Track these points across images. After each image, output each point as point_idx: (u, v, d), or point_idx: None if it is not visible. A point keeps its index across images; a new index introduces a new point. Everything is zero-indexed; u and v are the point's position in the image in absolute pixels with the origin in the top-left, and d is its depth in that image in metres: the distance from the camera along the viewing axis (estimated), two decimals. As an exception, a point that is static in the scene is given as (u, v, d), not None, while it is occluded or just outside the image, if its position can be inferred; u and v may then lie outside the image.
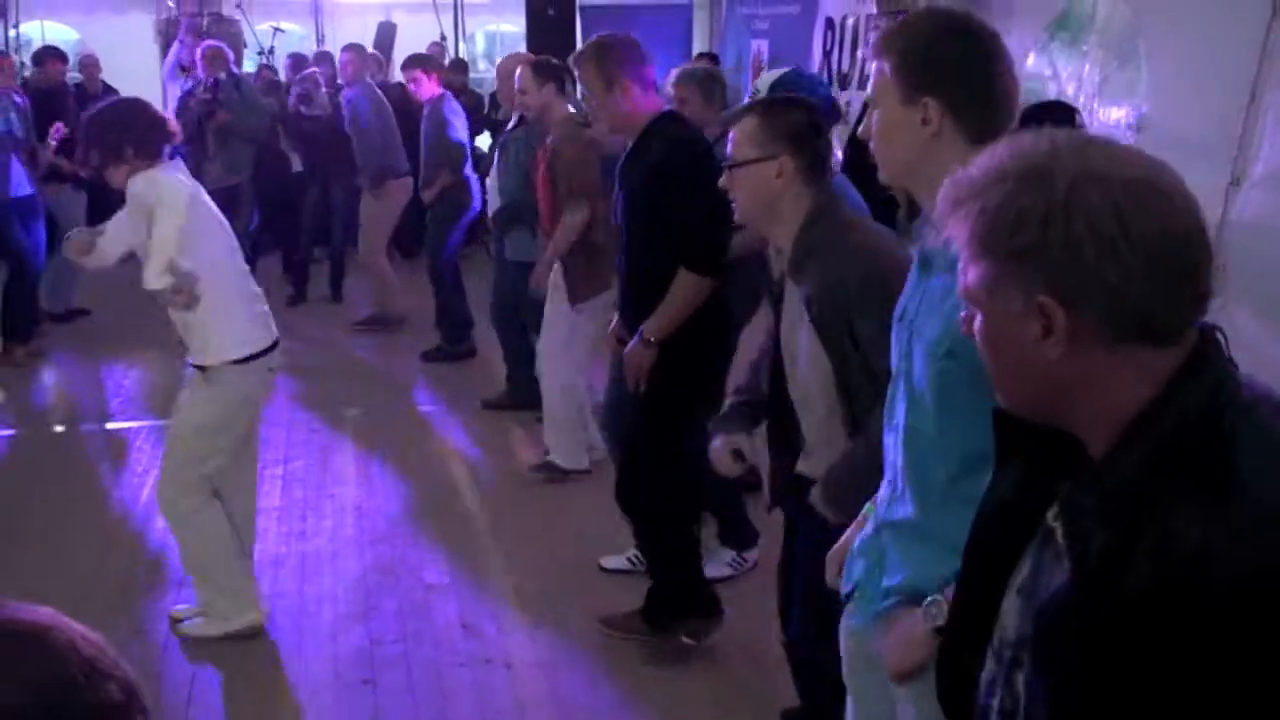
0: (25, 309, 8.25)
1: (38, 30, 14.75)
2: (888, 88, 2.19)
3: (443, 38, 12.92)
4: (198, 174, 9.19)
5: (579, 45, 11.80)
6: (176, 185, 4.24)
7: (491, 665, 4.38)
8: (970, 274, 1.38)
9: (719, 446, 3.38)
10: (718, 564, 4.90)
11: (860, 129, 2.40)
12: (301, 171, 9.86)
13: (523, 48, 13.08)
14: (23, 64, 12.47)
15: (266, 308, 4.53)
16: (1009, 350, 1.39)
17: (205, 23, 12.36)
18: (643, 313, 4.18)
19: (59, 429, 7.10)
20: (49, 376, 8.18)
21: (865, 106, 2.73)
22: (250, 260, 9.48)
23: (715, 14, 12.21)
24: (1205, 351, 1.35)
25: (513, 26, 15.46)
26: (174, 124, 4.56)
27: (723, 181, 3.08)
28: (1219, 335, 1.37)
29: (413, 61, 8.37)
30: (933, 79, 2.14)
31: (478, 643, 4.55)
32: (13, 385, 7.44)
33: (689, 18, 12.12)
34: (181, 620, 4.62)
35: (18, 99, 8.49)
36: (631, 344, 4.19)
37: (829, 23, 9.55)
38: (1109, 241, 1.28)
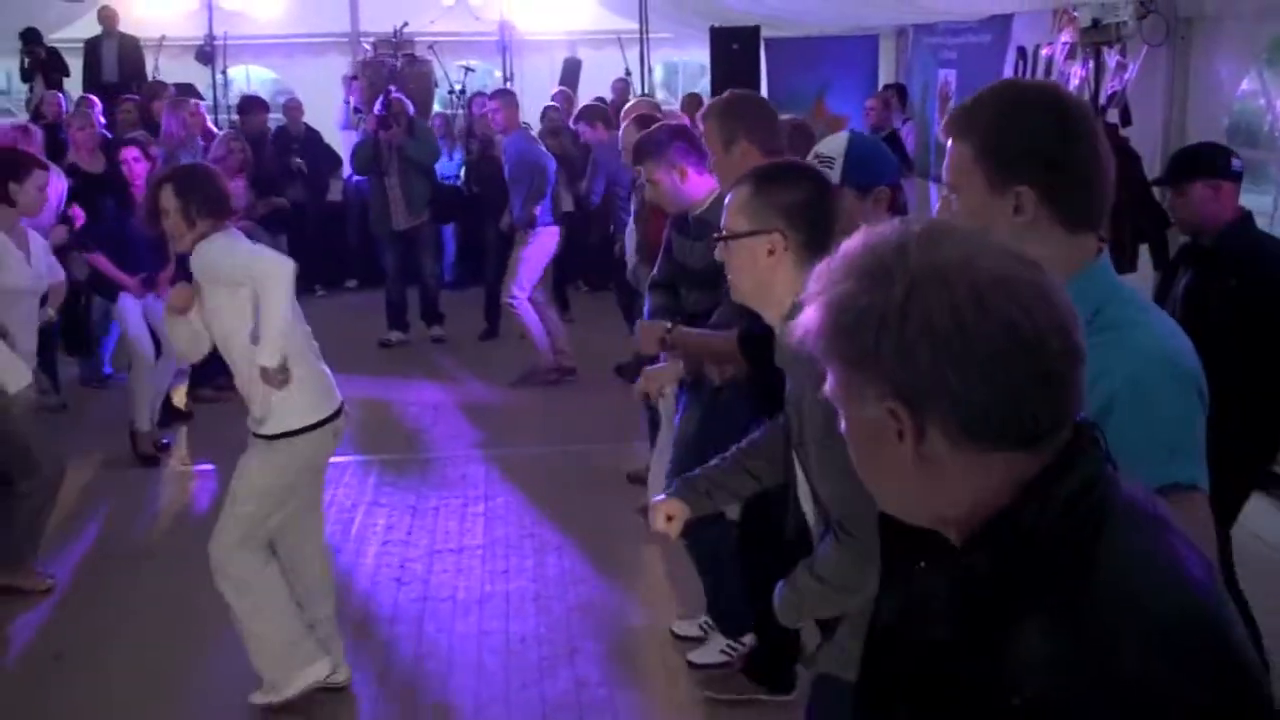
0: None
1: (242, 74, 15.50)
2: (971, 174, 2.01)
3: (627, 72, 13.05)
4: (382, 218, 9.64)
5: (764, 78, 11.87)
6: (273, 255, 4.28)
7: (697, 710, 4.39)
8: (828, 375, 1.34)
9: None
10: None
11: (936, 214, 2.23)
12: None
13: (706, 80, 13.20)
14: (229, 106, 13.14)
15: (328, 371, 4.45)
16: (872, 451, 1.34)
17: (400, 64, 12.75)
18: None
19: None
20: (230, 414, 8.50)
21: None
22: (434, 300, 9.90)
23: (902, 44, 12.09)
24: (1072, 455, 1.28)
25: (692, 57, 15.61)
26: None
27: (716, 252, 2.85)
28: (1097, 435, 1.31)
29: (582, 115, 8.48)
30: (1025, 165, 1.97)
31: (685, 688, 4.55)
32: (200, 422, 7.80)
33: (875, 48, 12.01)
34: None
35: (201, 142, 8.87)
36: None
37: (1021, 52, 9.36)
38: (945, 344, 1.23)
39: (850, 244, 1.34)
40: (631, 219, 6.71)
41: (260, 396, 4.19)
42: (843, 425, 1.37)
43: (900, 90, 11.15)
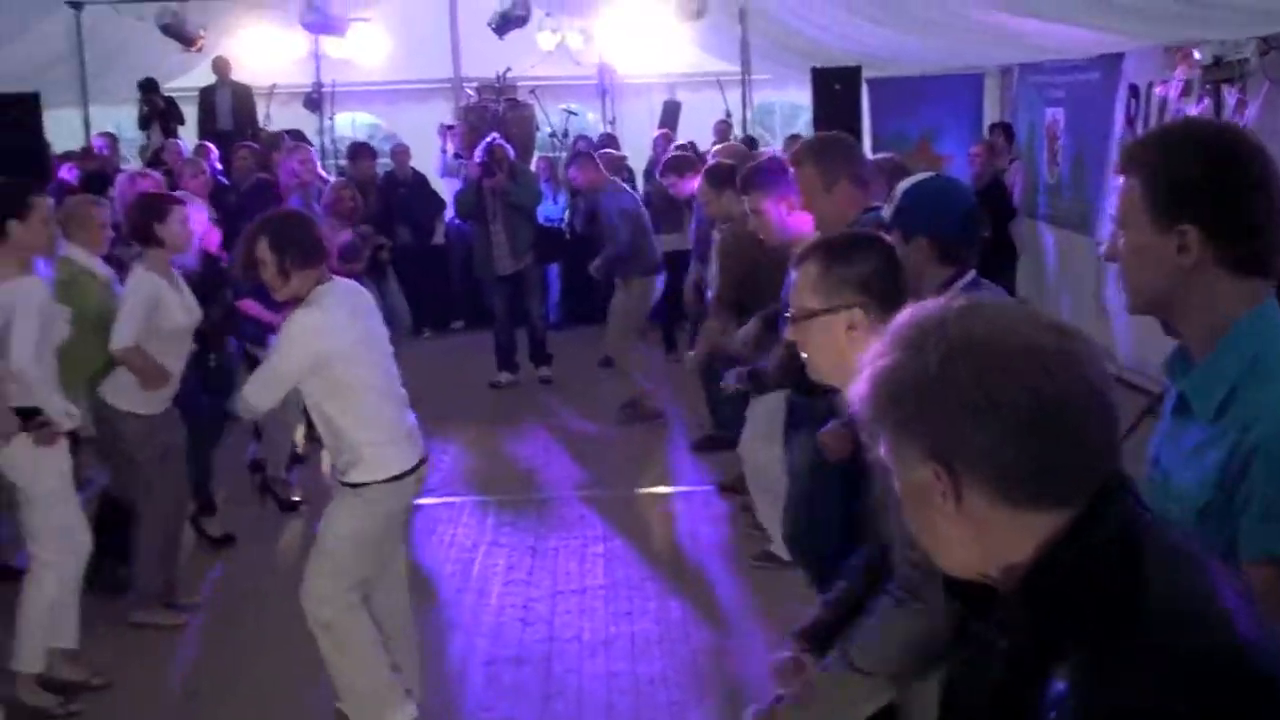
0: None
1: (347, 120, 15.83)
2: (1138, 209, 1.96)
3: (728, 114, 13.12)
4: (486, 262, 9.77)
5: (865, 118, 11.87)
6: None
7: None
8: (880, 440, 1.45)
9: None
10: None
11: (1104, 249, 2.17)
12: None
13: (807, 119, 13.23)
14: (336, 152, 13.43)
15: (413, 420, 4.47)
16: (921, 511, 1.43)
17: (503, 108, 12.95)
18: None
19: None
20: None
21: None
22: (541, 341, 10.00)
23: (1007, 82, 12.01)
24: (1101, 505, 1.36)
25: (791, 98, 15.64)
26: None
27: (787, 334, 2.75)
28: (1127, 481, 1.39)
29: (670, 168, 8.54)
30: (1192, 205, 1.91)
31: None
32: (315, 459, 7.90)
33: (980, 88, 11.95)
34: None
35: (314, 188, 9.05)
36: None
37: (1133, 90, 9.25)
38: (975, 410, 1.33)
39: (899, 319, 1.46)
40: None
41: (344, 446, 4.25)
42: (895, 486, 1.47)
43: (1007, 130, 11.08)
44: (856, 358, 2.54)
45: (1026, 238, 10.75)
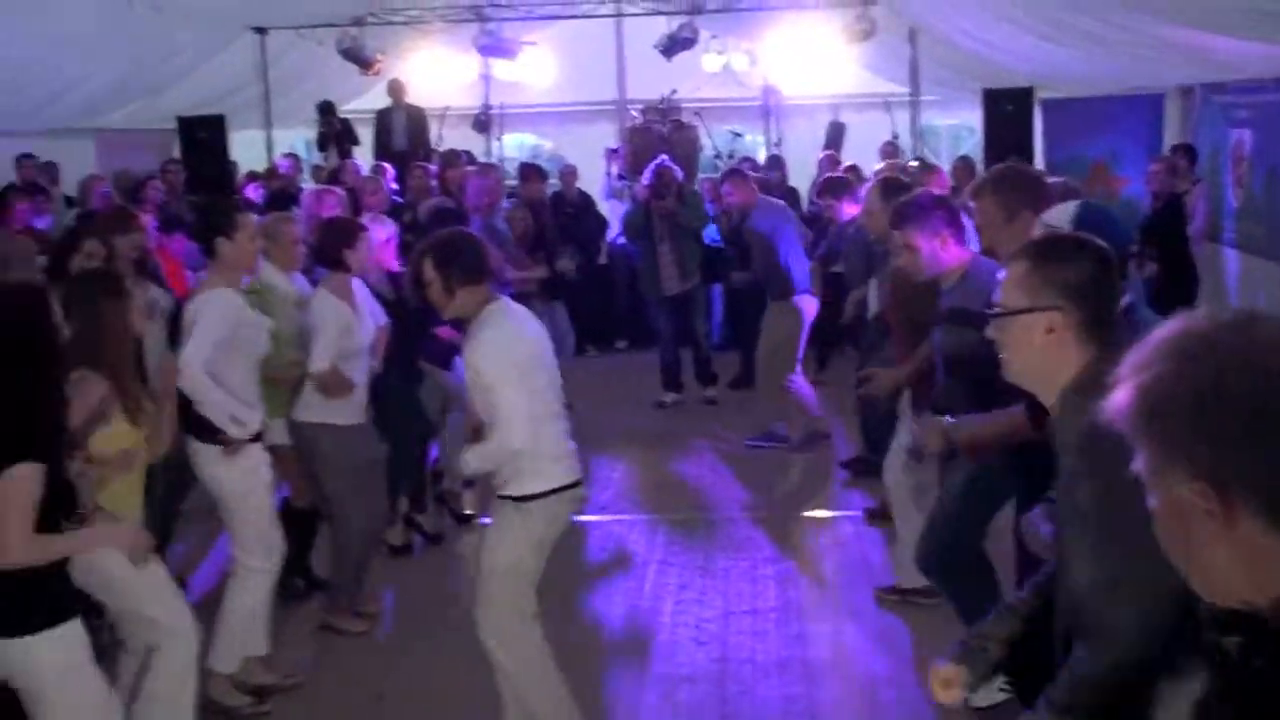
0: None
1: (512, 141, 16.15)
2: None
3: (895, 136, 12.99)
4: (652, 282, 9.82)
5: (1037, 141, 11.64)
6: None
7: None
8: (1139, 454, 1.39)
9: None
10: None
11: None
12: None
13: (975, 142, 13.03)
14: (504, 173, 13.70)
15: (574, 447, 4.47)
16: (1180, 530, 1.38)
17: (668, 130, 13.05)
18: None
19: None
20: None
21: None
22: (707, 361, 10.03)
23: (1189, 103, 11.63)
24: None
25: (958, 120, 15.42)
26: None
27: (988, 330, 2.71)
28: None
29: (824, 191, 8.44)
30: None
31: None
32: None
33: (1160, 108, 11.61)
34: None
35: (506, 204, 9.23)
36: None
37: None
38: (1253, 430, 1.27)
39: (1161, 330, 1.41)
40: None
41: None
42: (1151, 502, 1.42)
43: (1189, 151, 10.73)
44: (1051, 361, 2.60)
45: (1209, 262, 10.38)
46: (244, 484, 4.88)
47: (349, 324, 5.46)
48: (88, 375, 3.88)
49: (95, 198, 9.55)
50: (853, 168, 10.69)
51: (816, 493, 7.71)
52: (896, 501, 5.77)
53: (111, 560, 3.88)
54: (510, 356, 4.23)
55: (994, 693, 4.50)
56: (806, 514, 7.33)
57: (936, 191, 5.28)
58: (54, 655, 3.39)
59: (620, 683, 5.20)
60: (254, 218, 5.18)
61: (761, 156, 13.82)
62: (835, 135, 13.88)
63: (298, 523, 5.75)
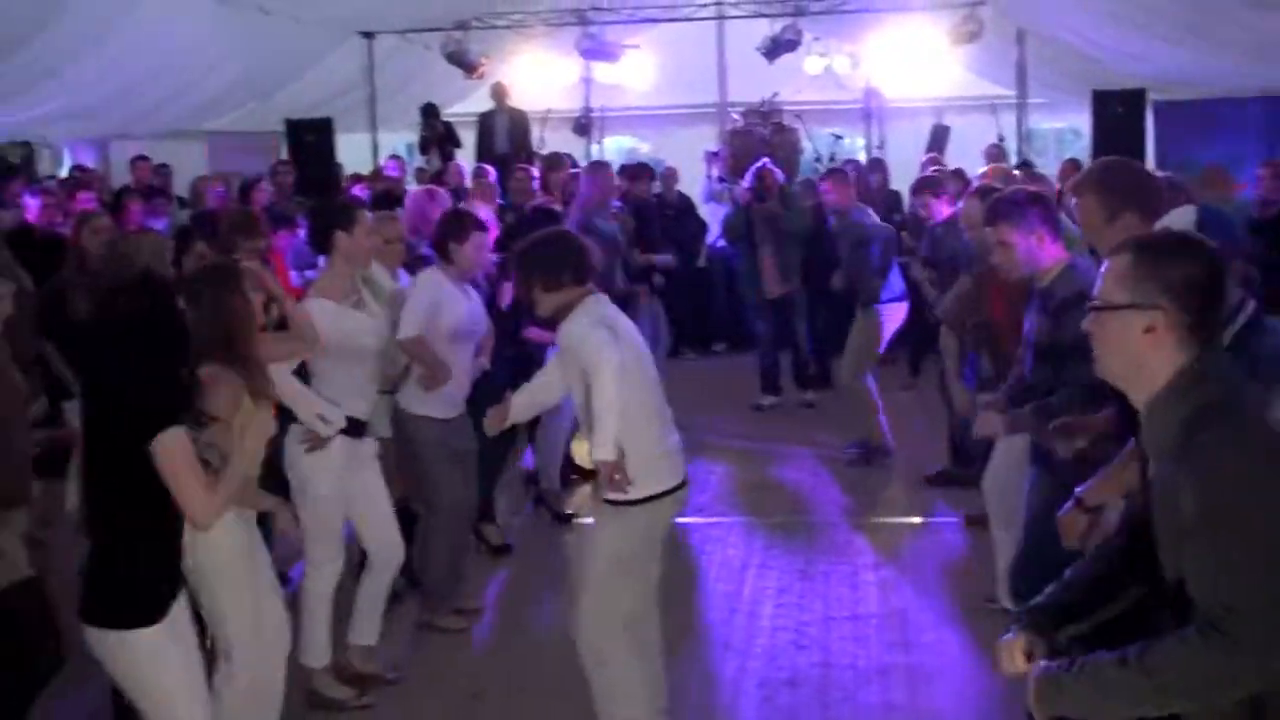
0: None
1: (611, 144, 16.21)
2: None
3: (1000, 139, 12.78)
4: (753, 285, 9.77)
5: (1149, 144, 11.36)
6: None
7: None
8: None
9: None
10: None
11: None
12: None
13: (1083, 145, 12.78)
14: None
15: (677, 441, 4.44)
16: None
17: (769, 132, 13.00)
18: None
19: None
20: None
21: None
22: (806, 365, 9.97)
23: (1310, 105, 11.31)
24: None
25: (1065, 123, 15.15)
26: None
27: (1085, 324, 2.59)
28: None
29: (920, 188, 8.32)
30: None
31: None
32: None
33: (1278, 110, 11.28)
34: None
35: (616, 205, 9.24)
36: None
37: None
38: None
39: None
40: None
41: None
42: None
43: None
44: (1149, 362, 2.46)
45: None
46: (309, 469, 4.87)
47: (442, 303, 5.43)
48: (218, 370, 3.93)
49: (210, 198, 9.77)
50: (957, 172, 10.51)
51: (916, 498, 7.58)
52: (994, 515, 5.63)
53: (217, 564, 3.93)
54: (605, 334, 4.23)
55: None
56: (906, 519, 7.22)
57: (1031, 189, 5.08)
58: (147, 648, 3.43)
59: (720, 685, 5.16)
60: (369, 214, 5.23)
61: (863, 160, 13.69)
62: (939, 138, 13.69)
63: (403, 521, 5.79)
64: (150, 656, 3.44)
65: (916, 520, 7.21)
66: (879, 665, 5.27)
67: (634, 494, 4.25)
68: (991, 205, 4.70)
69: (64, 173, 12.57)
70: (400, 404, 5.55)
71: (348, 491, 4.99)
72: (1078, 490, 3.56)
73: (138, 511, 3.42)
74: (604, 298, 4.46)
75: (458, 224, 5.63)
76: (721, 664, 5.36)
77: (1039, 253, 4.42)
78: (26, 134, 12.57)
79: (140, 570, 3.45)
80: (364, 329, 5.06)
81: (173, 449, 3.35)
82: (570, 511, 7.27)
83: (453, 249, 5.54)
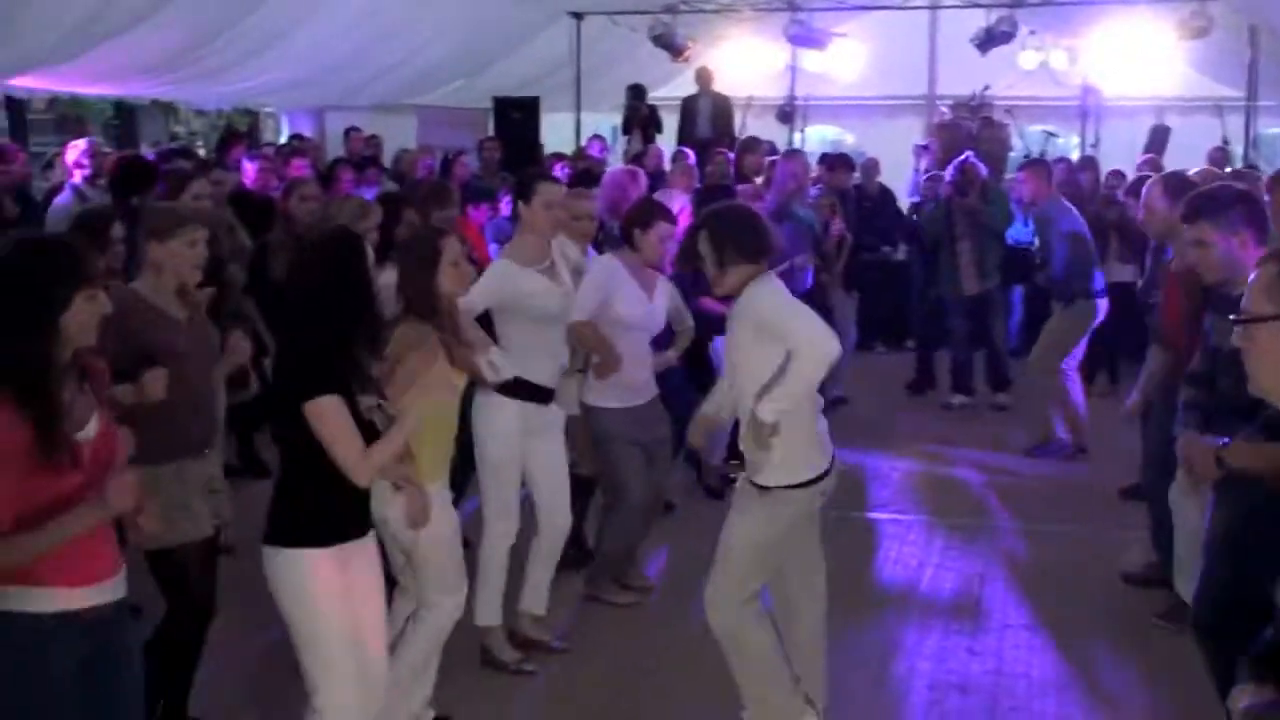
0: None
1: (814, 133, 16.04)
2: None
3: (1225, 141, 12.15)
4: (950, 281, 9.53)
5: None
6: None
7: None
8: None
9: None
10: None
11: None
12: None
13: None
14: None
15: (826, 429, 4.33)
16: None
17: (977, 127, 12.64)
18: None
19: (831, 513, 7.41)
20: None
21: None
22: (1001, 365, 9.68)
23: None
24: None
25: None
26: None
27: (1234, 338, 2.50)
28: None
29: (1131, 190, 7.97)
30: None
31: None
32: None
33: None
34: None
35: (814, 192, 9.15)
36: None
37: None
38: None
39: None
40: None
41: (750, 441, 4.19)
42: None
43: None
44: None
45: None
46: (486, 433, 4.97)
47: (616, 291, 5.38)
48: (420, 327, 4.12)
49: (420, 168, 10.07)
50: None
51: (1108, 510, 7.27)
52: (1178, 526, 5.34)
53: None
54: (812, 312, 4.20)
55: None
56: (1091, 531, 6.92)
57: (1239, 186, 4.73)
58: (308, 569, 3.52)
59: (888, 684, 5.06)
60: (557, 187, 5.26)
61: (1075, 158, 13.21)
62: (1158, 139, 13.09)
63: (577, 489, 5.83)
64: (309, 578, 3.52)
65: (1101, 532, 6.90)
66: (1054, 678, 5.09)
67: (781, 480, 4.19)
68: (1191, 200, 4.42)
69: (283, 140, 13.12)
70: (584, 396, 5.55)
71: (525, 458, 5.07)
72: (1221, 440, 3.45)
73: (313, 455, 3.51)
74: (773, 277, 4.33)
75: (646, 212, 5.61)
76: (891, 663, 5.25)
77: (1240, 254, 4.11)
78: (250, 103, 13.18)
79: (311, 496, 3.54)
80: (544, 291, 5.08)
81: (323, 413, 3.44)
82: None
83: (637, 235, 5.50)
